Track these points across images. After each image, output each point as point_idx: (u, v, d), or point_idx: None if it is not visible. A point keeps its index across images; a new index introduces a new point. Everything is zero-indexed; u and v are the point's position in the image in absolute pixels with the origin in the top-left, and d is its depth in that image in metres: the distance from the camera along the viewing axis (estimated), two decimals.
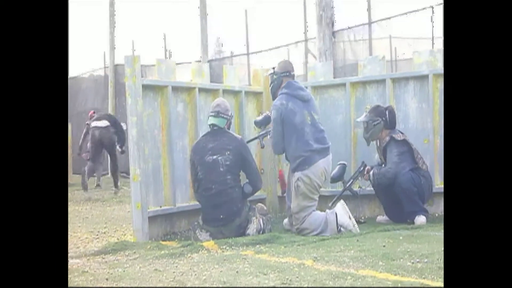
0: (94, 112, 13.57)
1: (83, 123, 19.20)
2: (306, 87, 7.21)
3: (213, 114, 6.57)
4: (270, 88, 6.86)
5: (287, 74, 6.70)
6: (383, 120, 6.92)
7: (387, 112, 6.96)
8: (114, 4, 18.28)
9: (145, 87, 6.67)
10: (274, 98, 6.71)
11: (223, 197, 6.30)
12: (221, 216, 6.29)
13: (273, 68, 6.81)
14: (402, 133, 6.97)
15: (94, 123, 12.31)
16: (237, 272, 4.67)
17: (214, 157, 6.35)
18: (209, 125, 6.57)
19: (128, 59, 6.55)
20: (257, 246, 5.69)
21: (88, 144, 12.51)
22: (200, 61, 15.34)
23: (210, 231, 6.30)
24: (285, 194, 7.38)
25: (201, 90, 7.36)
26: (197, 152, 6.45)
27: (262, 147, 7.17)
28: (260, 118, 7.01)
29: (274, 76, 6.72)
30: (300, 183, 6.37)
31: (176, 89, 7.10)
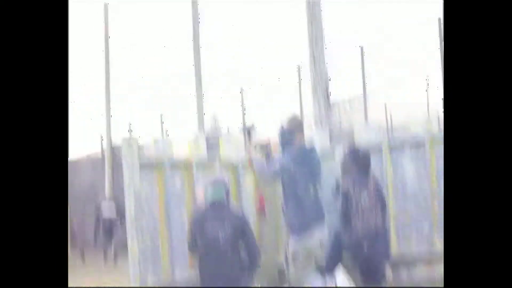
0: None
1: (81, 207, 19.18)
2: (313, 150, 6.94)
3: (213, 188, 6.53)
4: (280, 143, 6.82)
5: (300, 130, 6.74)
6: None
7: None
8: (109, 88, 18.49)
9: (143, 165, 6.67)
10: (283, 151, 6.74)
11: (221, 271, 6.24)
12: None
13: (282, 126, 6.82)
14: None
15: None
16: None
17: (214, 230, 6.31)
18: (210, 200, 6.52)
19: (126, 140, 6.59)
20: None
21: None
22: (197, 137, 15.45)
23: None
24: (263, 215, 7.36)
25: (199, 165, 7.38)
26: (197, 225, 6.40)
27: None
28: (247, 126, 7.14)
29: (286, 134, 6.70)
30: (297, 253, 6.42)
31: (173, 165, 7.11)
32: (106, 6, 17.88)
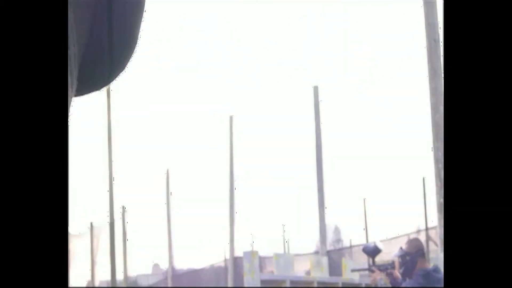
0: None
1: None
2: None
3: None
4: (400, 269, 6.57)
5: (421, 254, 6.49)
6: None
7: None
8: (234, 199, 18.76)
9: (264, 282, 6.62)
10: (404, 277, 6.50)
11: None
12: None
13: (401, 248, 6.61)
14: None
15: None
16: None
17: None
18: None
19: (247, 254, 6.60)
20: None
21: None
22: (318, 252, 15.25)
23: None
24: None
25: (320, 283, 7.24)
26: None
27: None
28: (370, 246, 6.84)
29: (407, 257, 6.40)
30: None
31: (295, 282, 7.01)
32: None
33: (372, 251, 6.85)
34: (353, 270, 7.54)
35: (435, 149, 7.81)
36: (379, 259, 6.92)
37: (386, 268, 6.76)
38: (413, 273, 6.31)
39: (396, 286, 6.53)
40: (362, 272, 7.25)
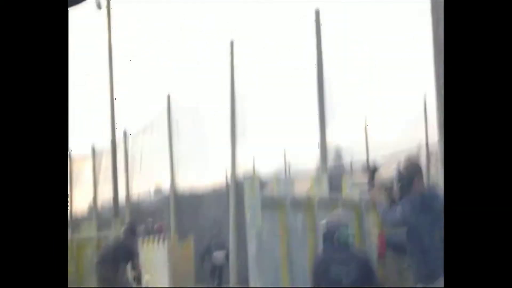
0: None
1: (204, 235, 19.54)
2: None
3: (345, 226, 6.50)
4: (397, 187, 6.53)
5: (419, 173, 6.45)
6: None
7: None
8: (235, 117, 18.80)
9: (264, 202, 6.71)
10: (402, 195, 6.48)
11: None
12: None
13: (398, 168, 6.56)
14: None
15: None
16: None
17: (339, 271, 6.23)
18: (342, 237, 6.45)
19: (248, 176, 6.67)
20: None
21: None
22: (319, 171, 15.39)
23: None
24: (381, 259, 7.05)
25: (320, 201, 7.34)
26: (321, 264, 6.32)
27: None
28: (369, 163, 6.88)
29: (406, 177, 6.30)
30: None
31: (295, 202, 7.11)
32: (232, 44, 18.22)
33: (372, 168, 6.84)
34: (353, 184, 7.60)
35: (436, 64, 7.79)
36: (378, 176, 6.94)
37: (385, 185, 6.77)
38: (411, 191, 6.29)
39: (394, 201, 6.55)
40: (361, 188, 7.27)
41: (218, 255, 16.45)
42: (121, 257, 10.33)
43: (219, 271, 16.46)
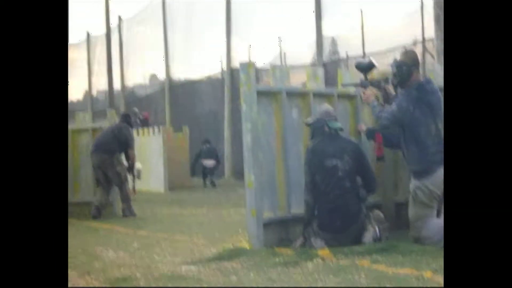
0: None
1: (200, 125, 19.60)
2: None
3: (333, 118, 6.54)
4: (395, 79, 6.38)
5: (416, 66, 6.33)
6: None
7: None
8: (230, 7, 18.51)
9: (260, 93, 6.65)
10: (396, 88, 6.39)
11: (340, 203, 6.24)
12: (338, 222, 6.21)
13: (396, 59, 6.42)
14: None
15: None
16: (352, 284, 4.57)
17: (334, 161, 6.31)
18: (333, 129, 6.49)
19: (243, 65, 6.58)
20: (373, 255, 5.55)
21: None
22: (315, 64, 15.27)
23: (326, 238, 6.22)
24: (380, 161, 6.99)
25: (316, 95, 7.28)
26: (316, 155, 6.40)
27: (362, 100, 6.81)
28: (363, 62, 6.73)
29: (404, 68, 6.18)
30: (418, 191, 6.10)
31: (291, 94, 7.05)
32: None
33: (366, 67, 6.66)
34: (344, 85, 7.47)
35: None
36: (372, 76, 6.82)
37: (380, 83, 6.64)
38: (408, 84, 6.19)
39: (390, 101, 6.49)
40: (355, 87, 7.17)
41: (208, 162, 16.90)
42: (116, 145, 10.40)
43: (210, 173, 16.96)
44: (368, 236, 6.23)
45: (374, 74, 7.02)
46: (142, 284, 4.92)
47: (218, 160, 17.11)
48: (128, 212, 10.36)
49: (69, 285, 5.20)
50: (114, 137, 10.51)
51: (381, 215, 6.55)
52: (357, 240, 6.21)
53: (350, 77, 7.66)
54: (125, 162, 10.60)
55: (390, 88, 6.51)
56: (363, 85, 6.65)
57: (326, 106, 6.79)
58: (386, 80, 6.59)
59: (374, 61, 6.72)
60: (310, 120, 6.73)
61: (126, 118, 10.95)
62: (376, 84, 6.63)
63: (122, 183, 10.47)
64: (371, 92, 6.58)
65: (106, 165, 10.39)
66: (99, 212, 10.27)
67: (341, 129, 6.60)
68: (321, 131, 6.54)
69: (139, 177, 10.99)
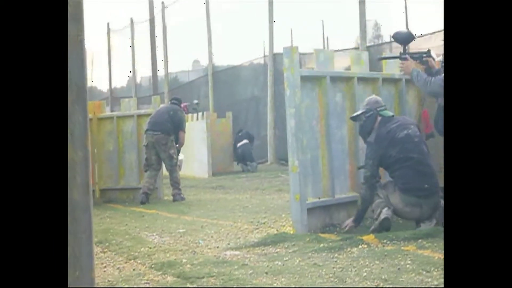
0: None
1: (243, 110, 19.64)
2: None
3: (384, 108, 6.49)
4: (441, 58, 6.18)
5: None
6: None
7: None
8: None
9: (303, 78, 6.63)
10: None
11: (425, 167, 6.23)
12: (426, 186, 6.17)
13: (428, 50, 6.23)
14: None
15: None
16: (398, 269, 4.53)
17: (404, 131, 6.27)
18: (386, 116, 6.42)
19: (287, 50, 6.55)
20: (419, 241, 5.49)
21: None
22: (358, 48, 15.14)
23: (408, 202, 6.14)
24: (430, 138, 6.83)
25: (360, 79, 7.22)
26: (382, 138, 6.30)
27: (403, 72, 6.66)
28: (402, 32, 6.50)
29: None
30: None
31: (334, 78, 7.00)
32: None
33: (405, 38, 6.40)
34: (380, 59, 7.30)
35: None
36: (415, 49, 6.63)
37: (421, 56, 6.40)
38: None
39: (432, 75, 6.32)
40: (396, 61, 6.95)
41: (240, 143, 16.93)
42: (171, 126, 10.48)
43: (246, 155, 16.98)
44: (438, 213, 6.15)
45: (414, 48, 6.82)
46: (187, 269, 4.95)
47: (250, 139, 17.06)
48: (178, 197, 10.43)
49: (117, 269, 5.27)
50: (169, 118, 10.57)
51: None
52: (435, 211, 6.15)
53: (394, 60, 7.57)
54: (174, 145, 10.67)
55: (432, 62, 6.32)
56: (402, 57, 6.45)
57: (373, 96, 6.71)
58: (428, 53, 6.37)
59: (412, 33, 6.52)
60: (357, 112, 6.62)
61: (178, 101, 11.04)
62: (417, 56, 6.41)
63: (173, 167, 10.52)
64: (411, 64, 6.38)
65: (161, 145, 10.42)
66: (147, 198, 10.32)
67: (393, 116, 6.54)
68: (373, 121, 6.43)
69: (180, 167, 11.05)
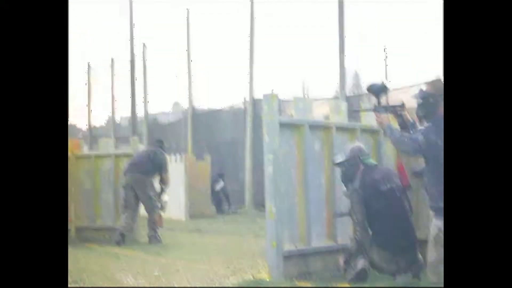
0: None
1: (221, 153, 19.68)
2: None
3: (368, 156, 6.63)
4: (420, 110, 6.11)
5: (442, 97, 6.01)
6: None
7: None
8: (253, 40, 18.67)
9: (282, 125, 6.72)
10: (421, 121, 6.14)
11: (404, 223, 6.29)
12: (404, 244, 6.24)
13: (421, 89, 6.19)
14: None
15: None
16: None
17: (388, 185, 6.31)
18: (370, 165, 6.50)
19: (266, 97, 6.65)
20: None
21: None
22: (337, 97, 15.34)
23: (384, 258, 6.20)
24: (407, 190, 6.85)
25: (339, 128, 7.33)
26: (367, 187, 6.34)
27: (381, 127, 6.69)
28: (376, 84, 6.40)
29: (431, 99, 5.84)
30: (442, 234, 5.82)
31: (313, 127, 7.10)
32: None
33: (378, 89, 6.38)
34: (355, 111, 7.37)
35: None
36: (386, 99, 6.59)
37: (395, 108, 6.42)
38: (435, 115, 5.81)
39: (407, 128, 6.31)
40: (369, 113, 6.96)
41: (217, 186, 17.55)
42: (151, 167, 10.52)
43: (224, 197, 17.68)
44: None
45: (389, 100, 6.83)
46: None
47: (223, 179, 17.72)
48: (154, 239, 10.39)
49: None
50: (149, 160, 10.59)
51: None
52: (410, 267, 6.20)
53: (358, 109, 7.64)
54: (157, 187, 10.68)
55: (407, 115, 6.31)
56: (377, 109, 6.42)
57: (357, 144, 6.77)
58: (402, 106, 6.34)
59: (386, 84, 6.51)
60: (340, 158, 6.68)
61: (160, 144, 11.05)
62: (391, 109, 6.40)
63: (152, 208, 10.52)
64: (385, 117, 6.36)
65: (140, 185, 10.42)
66: (123, 238, 10.26)
67: (376, 165, 6.60)
68: (356, 169, 6.49)
69: (164, 209, 11.05)
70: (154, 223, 10.48)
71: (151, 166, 10.56)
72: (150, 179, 10.55)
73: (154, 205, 10.57)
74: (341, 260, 6.37)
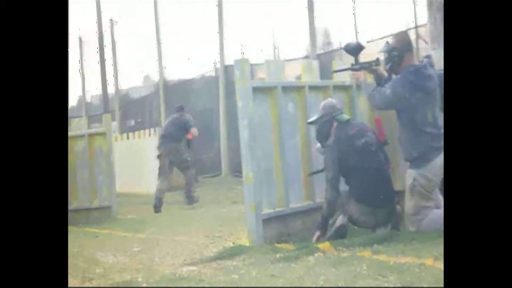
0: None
1: (195, 123, 19.51)
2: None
3: (340, 112, 6.54)
4: (387, 66, 6.13)
5: (409, 48, 6.07)
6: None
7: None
8: (222, 4, 18.44)
9: (255, 89, 6.60)
10: (390, 74, 6.17)
11: (381, 175, 6.27)
12: (381, 196, 6.19)
13: (387, 42, 6.21)
14: None
15: None
16: (354, 275, 4.51)
17: (362, 139, 6.29)
18: (344, 121, 6.44)
19: (238, 62, 6.52)
20: (375, 245, 5.48)
21: None
22: (308, 56, 15.20)
23: (364, 213, 6.18)
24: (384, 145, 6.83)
25: (311, 87, 7.22)
26: (341, 143, 6.32)
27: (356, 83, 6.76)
28: (352, 43, 6.52)
29: (394, 53, 5.99)
30: (416, 182, 5.97)
31: (286, 88, 6.99)
32: None
33: (354, 49, 6.46)
34: (334, 71, 7.39)
35: None
36: (364, 59, 6.67)
37: (370, 65, 6.45)
38: (400, 68, 6.00)
39: (382, 83, 6.34)
40: (347, 71, 7.00)
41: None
42: (180, 132, 11.66)
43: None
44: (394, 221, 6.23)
45: (364, 57, 6.87)
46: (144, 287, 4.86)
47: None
48: (191, 200, 11.38)
49: None
50: (175, 126, 11.66)
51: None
52: (389, 219, 6.19)
53: (344, 66, 7.57)
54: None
55: (382, 70, 6.35)
56: (354, 68, 6.53)
57: (329, 100, 6.72)
58: (376, 62, 6.41)
59: (362, 43, 6.61)
60: (314, 117, 6.62)
61: (180, 109, 12.11)
62: (367, 66, 6.47)
63: (188, 169, 11.62)
64: (361, 74, 6.46)
65: (174, 152, 11.46)
66: (160, 203, 11.09)
67: (349, 120, 6.55)
68: (330, 125, 6.45)
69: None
70: (190, 185, 11.51)
71: (178, 132, 11.60)
72: (181, 144, 11.62)
73: (189, 165, 11.68)
74: (314, 237, 6.28)
